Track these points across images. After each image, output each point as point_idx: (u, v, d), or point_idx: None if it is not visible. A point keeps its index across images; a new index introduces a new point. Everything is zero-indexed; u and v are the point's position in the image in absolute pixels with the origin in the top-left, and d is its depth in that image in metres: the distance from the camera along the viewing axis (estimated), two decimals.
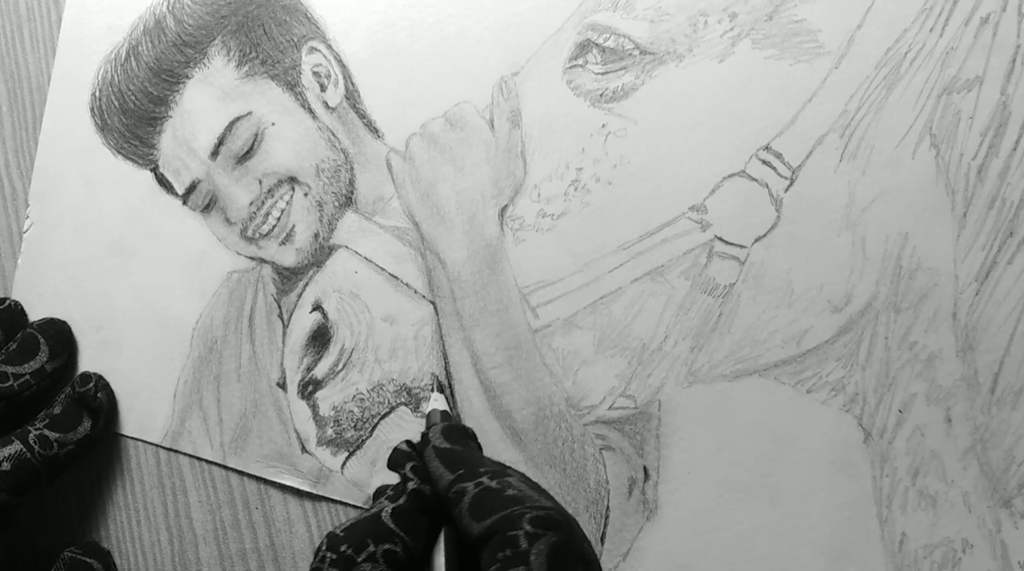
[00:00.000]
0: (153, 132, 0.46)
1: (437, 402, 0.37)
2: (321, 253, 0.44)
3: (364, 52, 0.43)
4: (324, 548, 0.28)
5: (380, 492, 0.32)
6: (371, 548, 0.28)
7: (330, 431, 0.43)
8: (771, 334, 0.37)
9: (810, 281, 0.36)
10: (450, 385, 0.41)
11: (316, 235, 0.44)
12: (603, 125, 0.39)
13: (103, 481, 0.47)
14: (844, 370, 0.36)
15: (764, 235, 0.37)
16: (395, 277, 0.42)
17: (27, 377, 0.44)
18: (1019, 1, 0.34)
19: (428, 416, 0.37)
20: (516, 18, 0.41)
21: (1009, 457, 0.34)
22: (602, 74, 0.39)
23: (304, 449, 0.43)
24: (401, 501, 0.30)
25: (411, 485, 0.30)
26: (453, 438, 0.32)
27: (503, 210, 0.40)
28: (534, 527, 0.26)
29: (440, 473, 0.30)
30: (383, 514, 0.29)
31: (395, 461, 0.32)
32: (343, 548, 0.28)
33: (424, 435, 0.33)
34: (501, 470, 0.30)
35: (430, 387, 0.41)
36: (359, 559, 0.28)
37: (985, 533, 0.34)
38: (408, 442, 0.33)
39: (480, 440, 0.40)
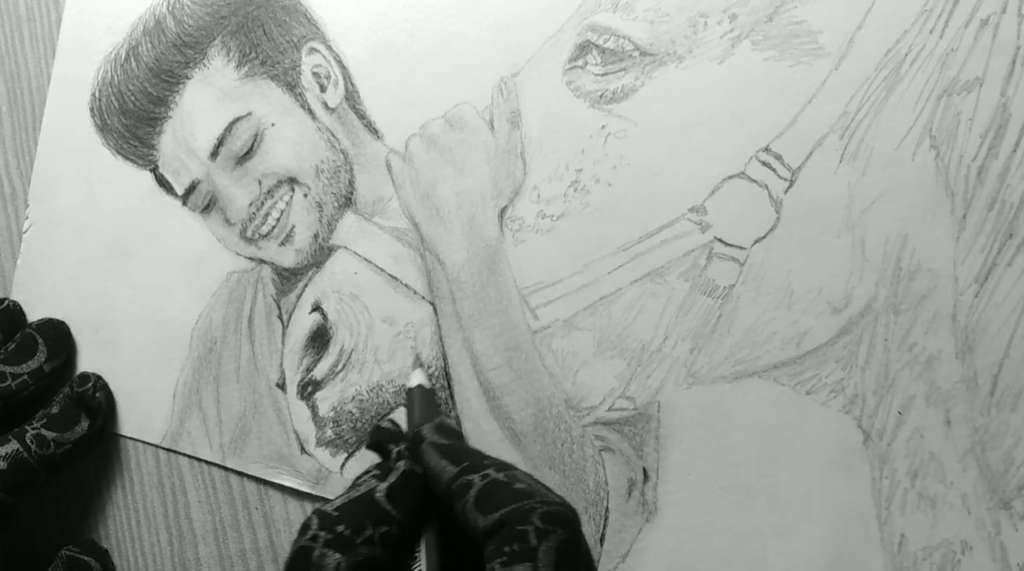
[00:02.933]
0: (153, 133, 0.46)
1: (418, 377, 0.36)
2: (321, 254, 0.44)
3: (364, 53, 0.43)
4: (316, 526, 0.27)
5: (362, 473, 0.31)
6: (369, 531, 0.27)
7: (329, 432, 0.43)
8: (771, 336, 0.37)
9: (810, 283, 0.36)
10: (449, 386, 0.41)
11: (316, 236, 0.44)
12: (603, 126, 0.39)
13: (102, 481, 0.47)
14: (843, 372, 0.36)
15: (764, 236, 0.37)
16: (395, 278, 0.42)
17: (25, 377, 0.44)
18: (1019, 3, 0.34)
19: (408, 393, 0.36)
20: (516, 19, 0.41)
21: (1008, 459, 0.34)
22: (602, 75, 0.39)
23: (303, 450, 0.43)
24: (393, 479, 0.29)
25: (403, 464, 0.29)
26: (448, 434, 0.32)
27: (503, 211, 0.40)
28: (544, 523, 0.26)
29: (443, 467, 0.29)
30: (377, 494, 0.28)
31: (380, 439, 0.31)
32: (340, 529, 0.27)
33: (415, 432, 0.32)
34: (505, 464, 0.29)
35: (412, 364, 0.41)
36: (358, 541, 0.26)
37: (984, 535, 0.34)
38: (392, 420, 0.32)
39: (479, 441, 0.40)
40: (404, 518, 0.28)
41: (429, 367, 0.41)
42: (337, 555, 0.26)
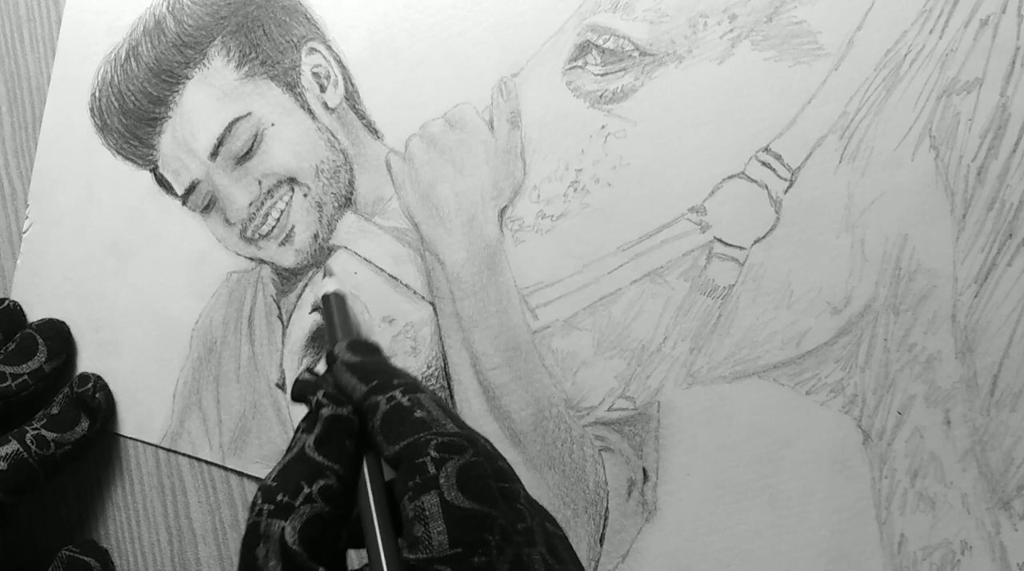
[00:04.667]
0: (153, 133, 0.46)
1: (331, 284, 0.35)
2: (320, 254, 0.44)
3: (364, 53, 0.43)
4: (260, 501, 0.27)
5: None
6: (306, 490, 0.27)
7: None
8: (770, 336, 0.37)
9: (809, 283, 0.36)
10: (449, 386, 0.41)
11: (315, 236, 0.44)
12: (603, 126, 0.39)
13: (103, 481, 0.47)
14: (843, 372, 0.36)
15: (763, 236, 0.37)
16: (394, 278, 0.42)
17: (25, 377, 0.44)
18: (1019, 3, 0.34)
19: (324, 301, 0.35)
20: (516, 19, 0.41)
21: (1008, 459, 0.34)
22: (602, 75, 0.39)
23: None
24: (318, 430, 0.29)
25: (325, 412, 0.29)
26: (361, 351, 0.31)
27: (502, 211, 0.40)
28: (439, 452, 0.26)
29: (353, 385, 0.30)
30: (306, 448, 0.28)
31: (301, 391, 0.31)
32: (279, 497, 0.27)
33: (329, 352, 0.32)
34: (413, 384, 0.29)
35: (323, 275, 0.40)
36: (296, 503, 0.27)
37: (984, 535, 0.34)
38: (309, 370, 0.32)
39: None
40: (341, 467, 0.28)
41: (429, 366, 0.41)
42: (280, 522, 0.26)
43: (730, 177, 0.37)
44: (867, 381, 0.35)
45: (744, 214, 0.37)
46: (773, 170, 0.37)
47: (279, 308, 0.44)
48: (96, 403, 0.45)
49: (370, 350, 0.32)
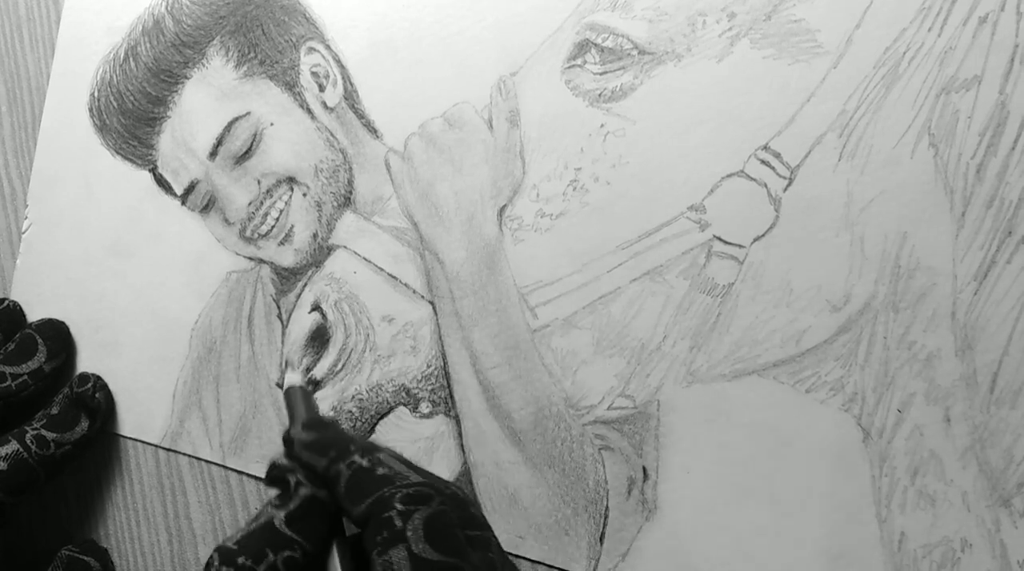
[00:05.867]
0: (152, 132, 0.46)
1: (293, 378, 0.36)
2: (320, 253, 0.44)
3: (363, 52, 0.43)
4: (217, 563, 0.27)
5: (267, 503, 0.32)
6: (270, 558, 0.27)
7: None
8: (770, 334, 0.37)
9: (809, 281, 0.36)
10: (449, 385, 0.41)
11: (315, 235, 0.44)
12: (602, 125, 0.39)
13: (102, 481, 0.47)
14: (843, 370, 0.36)
15: (763, 235, 0.37)
16: (394, 277, 0.42)
17: (25, 377, 0.44)
18: (1017, 0, 0.34)
19: (285, 395, 0.35)
20: (515, 18, 0.41)
21: (1008, 456, 0.34)
22: (601, 74, 0.39)
23: None
24: (292, 507, 0.29)
25: (303, 491, 0.30)
26: (316, 427, 0.32)
27: (502, 210, 0.40)
28: (405, 505, 0.26)
29: (314, 460, 0.30)
30: (276, 522, 0.29)
31: (278, 476, 0.31)
32: (240, 560, 0.27)
33: (286, 436, 0.32)
34: (370, 446, 0.30)
35: (284, 366, 0.41)
36: (260, 569, 0.27)
37: (984, 532, 0.34)
38: (285, 455, 0.32)
39: (479, 440, 0.40)
40: (308, 543, 0.28)
41: (428, 366, 0.41)
42: None
43: (729, 175, 0.37)
44: (867, 379, 0.35)
45: (743, 212, 0.37)
46: (772, 168, 0.37)
47: (279, 307, 0.44)
48: (96, 403, 0.45)
49: (325, 426, 0.32)
